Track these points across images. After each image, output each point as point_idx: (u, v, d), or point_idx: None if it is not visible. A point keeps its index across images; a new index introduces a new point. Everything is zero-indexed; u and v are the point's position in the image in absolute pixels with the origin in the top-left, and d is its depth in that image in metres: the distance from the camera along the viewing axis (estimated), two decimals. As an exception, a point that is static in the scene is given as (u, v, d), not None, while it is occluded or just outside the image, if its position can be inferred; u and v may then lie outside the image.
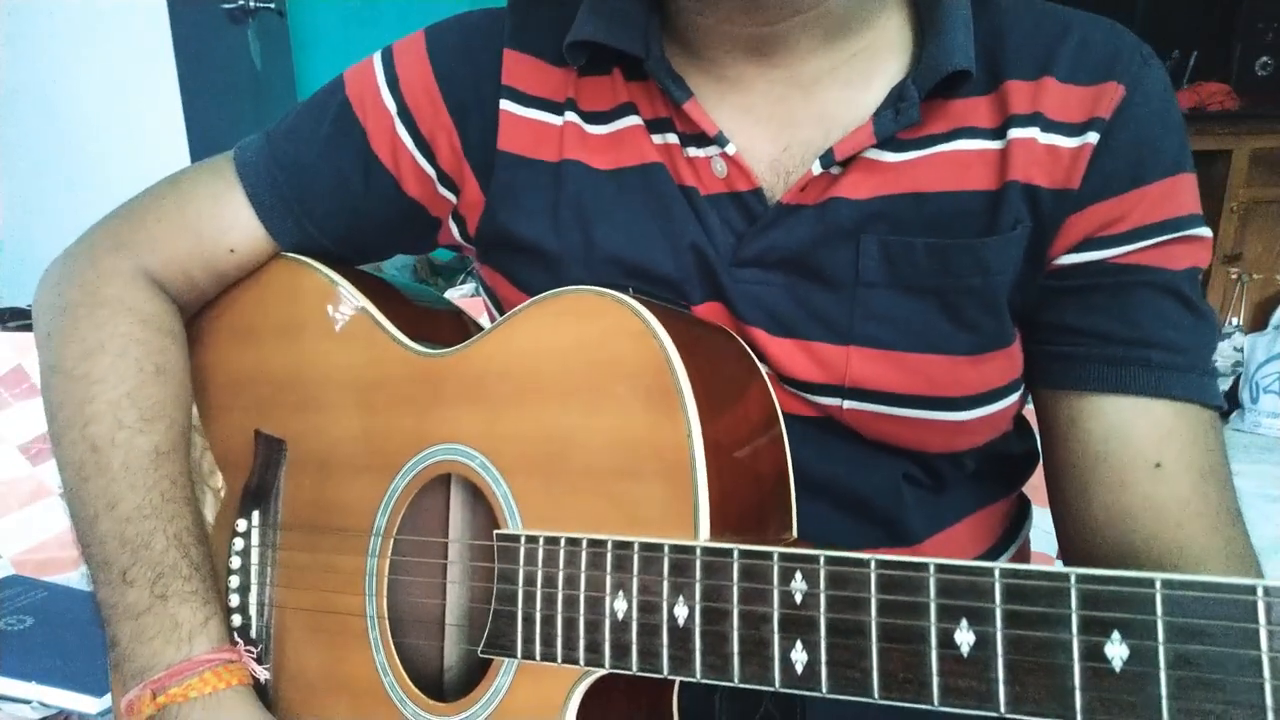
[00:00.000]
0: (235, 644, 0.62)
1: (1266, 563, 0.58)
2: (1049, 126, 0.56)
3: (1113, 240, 0.57)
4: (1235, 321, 3.04)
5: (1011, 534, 0.71)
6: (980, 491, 0.67)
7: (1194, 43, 3.02)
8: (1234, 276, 3.02)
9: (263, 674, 0.62)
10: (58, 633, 1.00)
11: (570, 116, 0.63)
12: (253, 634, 0.66)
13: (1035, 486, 0.71)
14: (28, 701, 0.87)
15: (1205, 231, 0.57)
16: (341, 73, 0.67)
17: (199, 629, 0.59)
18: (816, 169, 0.57)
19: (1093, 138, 0.55)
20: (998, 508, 0.69)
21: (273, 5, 2.64)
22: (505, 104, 0.63)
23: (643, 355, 0.50)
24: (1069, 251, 0.58)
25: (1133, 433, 0.57)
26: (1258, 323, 3.06)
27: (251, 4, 2.56)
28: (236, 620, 0.65)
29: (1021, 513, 0.74)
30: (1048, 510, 0.65)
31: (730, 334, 0.59)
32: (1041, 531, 0.73)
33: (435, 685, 0.60)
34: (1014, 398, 0.62)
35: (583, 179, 0.62)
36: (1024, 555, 0.75)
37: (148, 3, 2.21)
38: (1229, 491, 0.58)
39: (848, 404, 0.59)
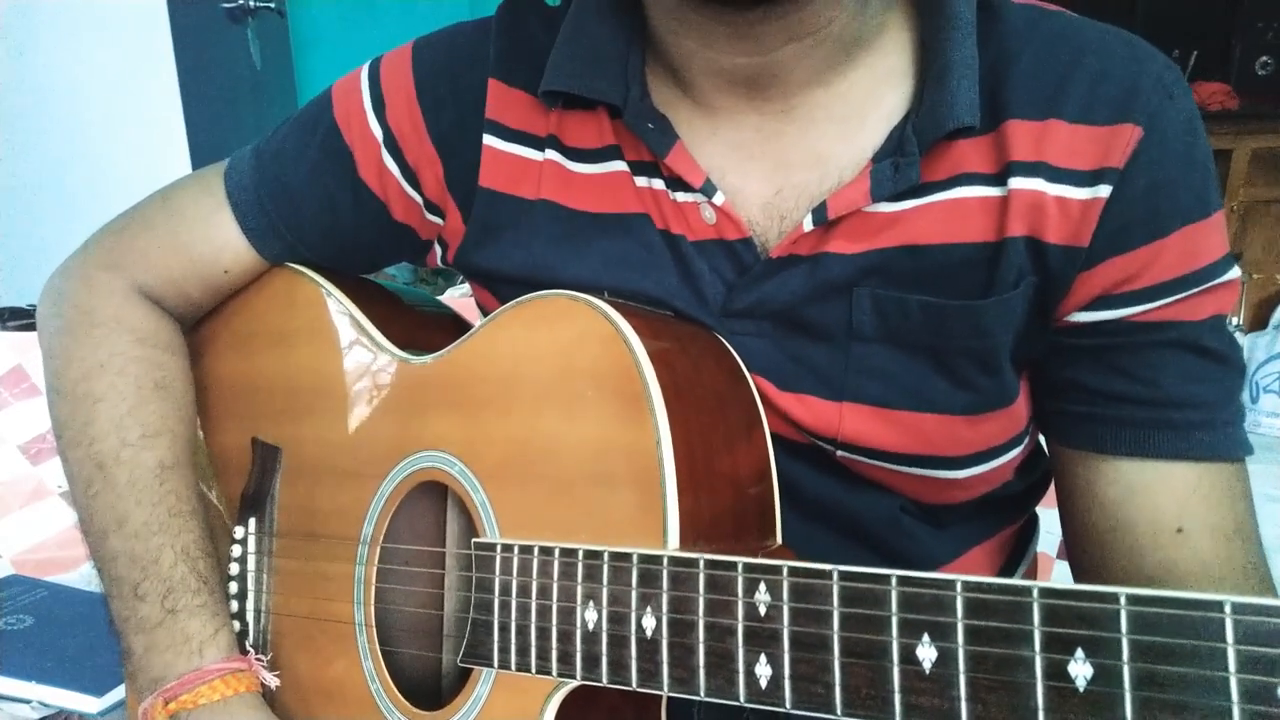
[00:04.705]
0: (246, 653, 0.63)
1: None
2: (1055, 176, 0.51)
3: (1128, 298, 0.53)
4: (1235, 321, 3.03)
5: (1022, 549, 0.70)
6: (986, 523, 0.66)
7: (1194, 43, 2.99)
8: (1234, 276, 3.01)
9: (273, 681, 0.63)
10: (58, 633, 1.01)
11: (551, 154, 0.61)
12: (250, 641, 0.66)
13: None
14: (28, 701, 0.87)
15: (1231, 275, 0.53)
16: (330, 86, 0.66)
17: (209, 640, 0.60)
18: (808, 225, 0.54)
19: (1104, 190, 0.51)
20: (1008, 529, 0.68)
21: (273, 5, 2.64)
22: (488, 138, 0.61)
23: (612, 360, 0.50)
24: (1081, 309, 0.54)
25: (1153, 498, 0.55)
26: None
27: (251, 4, 2.56)
28: (235, 627, 0.65)
29: (1030, 525, 0.73)
30: (1049, 511, 0.64)
31: (715, 337, 0.58)
32: (1043, 531, 0.73)
33: (429, 692, 0.60)
34: (1015, 452, 0.60)
35: (559, 220, 0.61)
36: (1033, 570, 0.73)
37: (148, 3, 2.22)
38: (1252, 546, 0.55)
39: (841, 453, 0.58)
